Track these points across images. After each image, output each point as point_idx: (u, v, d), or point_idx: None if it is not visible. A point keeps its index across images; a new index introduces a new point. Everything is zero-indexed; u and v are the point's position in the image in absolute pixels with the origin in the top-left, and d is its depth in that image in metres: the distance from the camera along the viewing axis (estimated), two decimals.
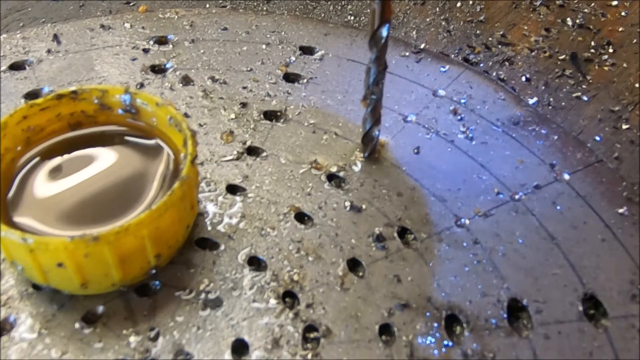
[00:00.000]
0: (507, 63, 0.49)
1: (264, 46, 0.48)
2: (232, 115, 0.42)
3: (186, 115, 0.42)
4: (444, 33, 0.52)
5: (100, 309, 0.32)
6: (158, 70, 0.46)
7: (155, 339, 0.31)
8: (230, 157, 0.40)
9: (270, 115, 0.43)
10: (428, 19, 0.53)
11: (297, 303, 0.33)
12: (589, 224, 0.37)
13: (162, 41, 0.48)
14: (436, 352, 0.31)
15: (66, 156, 0.35)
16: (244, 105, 0.43)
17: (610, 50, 0.51)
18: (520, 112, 0.44)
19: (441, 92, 0.45)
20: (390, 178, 0.39)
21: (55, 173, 0.34)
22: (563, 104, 0.46)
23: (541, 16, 0.54)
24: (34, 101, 0.35)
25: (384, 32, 0.34)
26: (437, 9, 0.55)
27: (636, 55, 0.50)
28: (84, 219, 0.32)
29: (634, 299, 0.34)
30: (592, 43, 0.51)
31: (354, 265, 0.35)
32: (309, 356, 0.31)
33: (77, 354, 0.31)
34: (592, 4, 0.55)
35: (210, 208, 0.37)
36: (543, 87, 0.47)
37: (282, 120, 0.42)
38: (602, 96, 0.47)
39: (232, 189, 0.38)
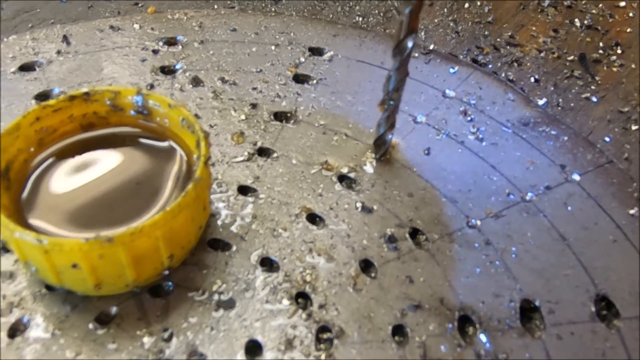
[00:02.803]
0: (515, 64, 0.49)
1: (273, 47, 0.48)
2: (243, 117, 0.42)
3: (197, 116, 0.42)
4: (452, 34, 0.52)
5: (114, 309, 0.32)
6: (168, 71, 0.46)
7: (168, 339, 0.31)
8: (241, 158, 0.40)
9: (281, 116, 0.43)
10: (436, 20, 0.53)
11: (310, 304, 0.33)
12: (600, 225, 0.37)
13: (171, 42, 0.48)
14: (449, 352, 0.31)
15: (79, 157, 0.35)
16: (254, 106, 0.43)
17: (619, 51, 0.51)
18: (529, 113, 0.44)
19: (451, 93, 0.45)
20: (401, 179, 0.39)
21: (69, 174, 0.34)
22: (572, 104, 0.46)
23: (549, 17, 0.54)
24: (47, 102, 0.35)
25: (410, 42, 0.34)
26: (446, 10, 0.55)
27: None
28: (97, 221, 0.32)
29: None
30: (601, 44, 0.52)
31: (366, 266, 0.35)
32: (323, 357, 0.31)
33: (91, 354, 0.31)
34: (600, 5, 0.55)
35: (222, 209, 0.37)
36: (552, 88, 0.47)
37: (292, 121, 0.43)
38: (611, 97, 0.47)
39: (244, 190, 0.38)
